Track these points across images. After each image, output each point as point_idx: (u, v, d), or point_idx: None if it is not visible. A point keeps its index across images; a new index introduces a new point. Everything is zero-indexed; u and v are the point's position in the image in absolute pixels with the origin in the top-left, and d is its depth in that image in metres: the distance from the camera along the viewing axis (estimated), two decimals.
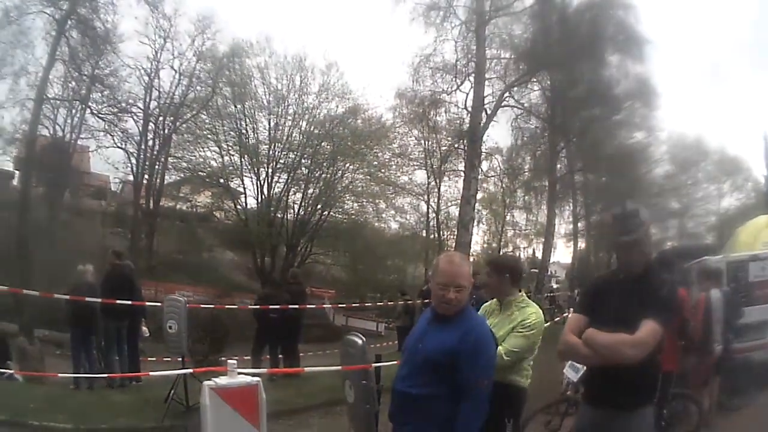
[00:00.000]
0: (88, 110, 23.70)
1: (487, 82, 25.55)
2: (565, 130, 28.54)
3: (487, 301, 4.59)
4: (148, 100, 24.80)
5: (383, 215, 27.95)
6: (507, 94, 26.45)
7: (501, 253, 29.16)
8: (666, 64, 60.44)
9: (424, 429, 3.03)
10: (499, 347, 3.90)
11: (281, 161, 24.66)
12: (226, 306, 12.78)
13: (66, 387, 8.75)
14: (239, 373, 4.42)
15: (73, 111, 23.71)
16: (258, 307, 11.09)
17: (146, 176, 25.23)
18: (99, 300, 8.86)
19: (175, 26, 25.00)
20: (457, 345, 2.99)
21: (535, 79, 28.02)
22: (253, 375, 4.64)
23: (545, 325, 4.31)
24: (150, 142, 25.05)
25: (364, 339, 6.30)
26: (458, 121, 27.38)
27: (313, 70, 25.52)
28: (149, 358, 11.86)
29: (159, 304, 9.03)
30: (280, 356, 10.92)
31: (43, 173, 23.50)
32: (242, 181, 25.07)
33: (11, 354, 11.78)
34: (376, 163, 26.13)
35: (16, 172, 24.61)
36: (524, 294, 4.43)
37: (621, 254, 3.12)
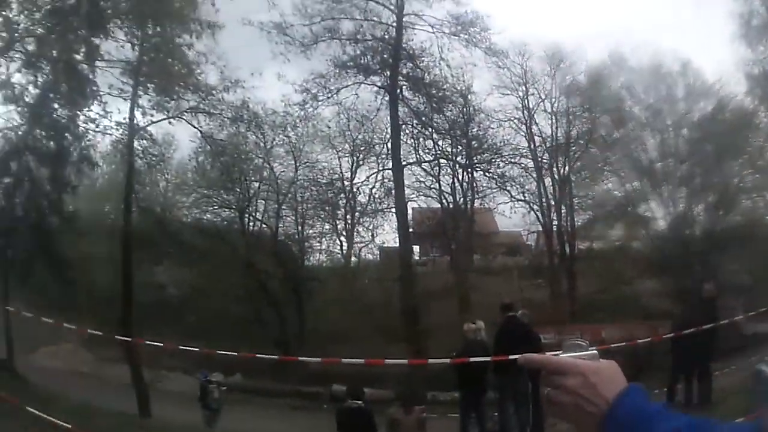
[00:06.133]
0: (476, 170, 24.43)
1: None
2: None
3: None
4: (532, 147, 24.61)
5: None
6: None
7: None
8: None
9: None
10: None
11: (677, 175, 23.26)
12: (638, 341, 11.71)
13: None
14: None
15: (458, 174, 24.66)
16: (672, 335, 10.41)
17: (554, 222, 25.08)
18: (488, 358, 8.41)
19: (529, 70, 24.51)
20: None
21: None
22: None
23: None
24: (548, 188, 24.84)
25: None
26: None
27: (672, 74, 23.27)
28: None
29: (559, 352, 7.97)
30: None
31: (441, 241, 25.12)
32: (648, 204, 24.20)
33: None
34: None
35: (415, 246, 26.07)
36: None
37: None
